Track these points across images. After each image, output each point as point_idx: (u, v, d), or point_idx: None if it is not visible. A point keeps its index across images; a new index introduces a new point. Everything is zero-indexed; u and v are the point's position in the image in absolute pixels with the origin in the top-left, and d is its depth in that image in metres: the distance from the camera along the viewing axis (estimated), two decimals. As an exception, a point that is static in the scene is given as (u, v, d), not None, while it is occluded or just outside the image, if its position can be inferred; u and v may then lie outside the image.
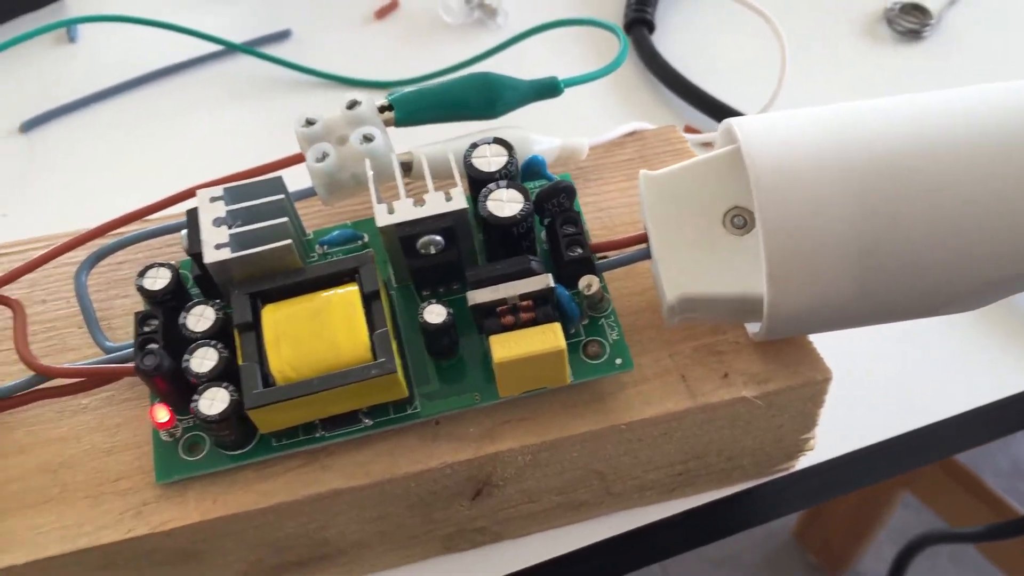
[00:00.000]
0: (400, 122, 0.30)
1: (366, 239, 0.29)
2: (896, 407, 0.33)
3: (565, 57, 0.44)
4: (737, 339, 0.28)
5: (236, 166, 0.31)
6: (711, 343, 0.28)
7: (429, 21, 0.46)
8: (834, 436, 0.31)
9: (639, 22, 0.44)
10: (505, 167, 0.27)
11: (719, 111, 0.40)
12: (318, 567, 0.29)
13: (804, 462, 0.32)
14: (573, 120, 0.36)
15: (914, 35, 0.44)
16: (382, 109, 0.30)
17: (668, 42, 0.44)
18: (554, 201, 0.27)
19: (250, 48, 0.44)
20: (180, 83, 0.44)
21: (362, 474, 0.26)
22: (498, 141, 0.27)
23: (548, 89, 0.31)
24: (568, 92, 0.31)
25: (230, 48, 0.44)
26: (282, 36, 0.45)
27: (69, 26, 0.44)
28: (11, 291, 0.29)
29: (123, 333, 0.29)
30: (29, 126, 0.42)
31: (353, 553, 0.29)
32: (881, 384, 0.33)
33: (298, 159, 0.29)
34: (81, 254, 0.30)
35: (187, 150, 0.41)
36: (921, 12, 0.44)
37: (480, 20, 0.45)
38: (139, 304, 0.29)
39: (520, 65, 0.42)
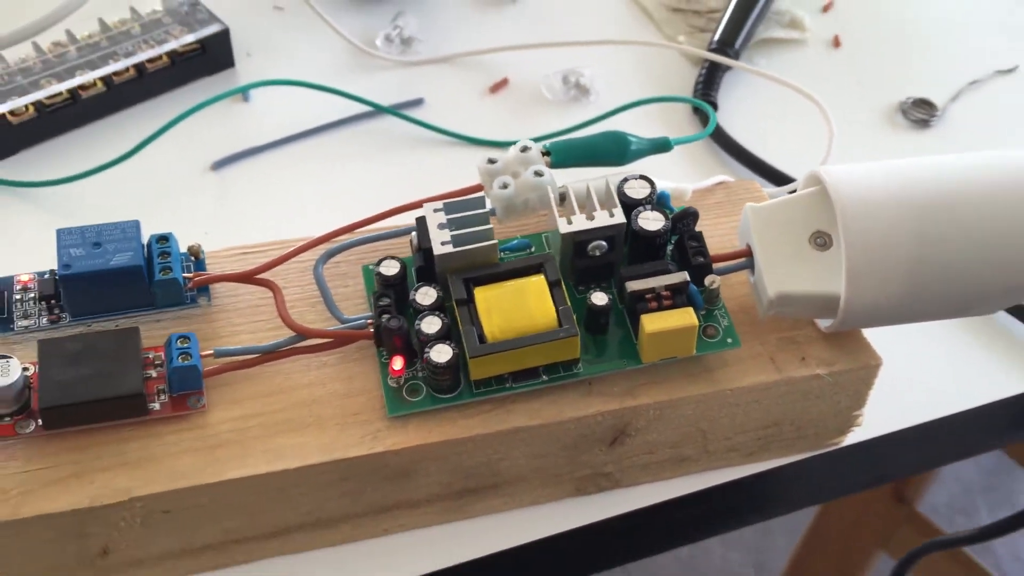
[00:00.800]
0: (554, 165, 0.38)
1: (534, 249, 0.37)
2: (921, 397, 0.41)
3: (641, 130, 0.52)
4: (810, 333, 0.36)
5: (380, 204, 0.39)
6: (791, 335, 0.36)
7: (533, 97, 0.54)
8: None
9: (705, 102, 0.52)
10: (649, 196, 0.35)
11: (771, 175, 0.49)
12: (484, 496, 0.36)
13: (851, 439, 0.40)
14: (656, 176, 0.44)
15: (924, 124, 0.53)
16: (543, 154, 0.38)
17: (728, 119, 0.52)
18: (684, 221, 0.35)
19: (394, 111, 0.52)
20: (335, 136, 0.52)
21: (538, 416, 0.34)
22: (643, 177, 0.35)
23: (662, 146, 0.40)
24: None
25: (378, 109, 0.52)
26: (417, 103, 0.53)
27: (246, 91, 0.53)
28: (259, 278, 0.37)
29: (345, 313, 0.36)
30: (218, 165, 0.50)
31: (513, 486, 0.36)
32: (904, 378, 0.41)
33: (478, 188, 0.37)
34: (309, 255, 0.37)
35: (341, 189, 0.49)
36: (928, 106, 0.53)
37: (575, 97, 0.54)
38: (355, 292, 0.37)
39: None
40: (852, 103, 0.54)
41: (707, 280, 0.34)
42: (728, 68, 0.54)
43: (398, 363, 0.33)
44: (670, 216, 0.35)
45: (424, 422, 0.34)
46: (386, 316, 0.33)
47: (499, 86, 0.55)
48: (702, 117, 0.52)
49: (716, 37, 0.55)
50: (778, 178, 0.49)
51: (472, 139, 0.52)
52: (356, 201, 0.48)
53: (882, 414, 0.40)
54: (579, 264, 0.35)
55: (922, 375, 0.42)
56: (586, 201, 0.35)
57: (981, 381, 0.42)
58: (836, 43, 0.57)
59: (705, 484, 0.39)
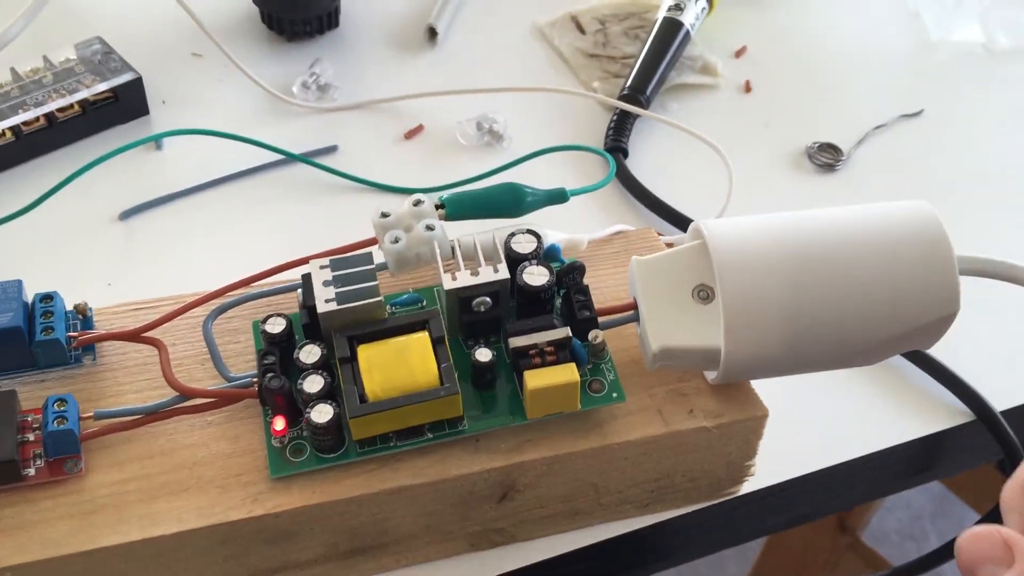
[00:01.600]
0: (449, 217, 0.37)
1: (424, 303, 0.36)
2: (814, 447, 0.41)
3: (554, 174, 0.52)
4: (699, 385, 0.36)
5: (291, 253, 0.38)
6: (679, 387, 0.36)
7: (448, 142, 0.54)
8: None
9: (616, 149, 0.52)
10: (535, 250, 0.34)
11: (677, 219, 0.49)
12: (374, 555, 0.35)
13: (746, 487, 0.39)
14: (560, 222, 0.43)
15: (829, 168, 0.53)
16: (437, 207, 0.37)
17: (638, 164, 0.52)
18: (570, 276, 0.34)
19: (306, 158, 0.51)
20: (248, 184, 0.51)
21: (423, 475, 0.33)
22: (530, 231, 0.35)
23: (558, 197, 0.39)
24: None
25: (290, 158, 0.51)
26: (330, 150, 0.52)
27: (157, 139, 0.52)
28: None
29: (236, 370, 0.35)
30: (126, 215, 0.49)
31: (403, 544, 0.35)
32: (801, 426, 0.41)
33: (373, 242, 0.37)
34: (201, 310, 0.36)
35: (252, 238, 0.48)
36: (834, 150, 0.53)
37: (489, 143, 0.53)
38: (246, 348, 0.36)
39: (518, 179, 0.50)
40: (760, 147, 0.54)
41: (591, 335, 0.33)
42: (638, 115, 0.53)
43: (280, 423, 0.32)
44: (556, 270, 0.34)
45: (308, 482, 0.32)
46: (269, 375, 0.32)
47: (414, 132, 0.54)
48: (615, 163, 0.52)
49: (628, 84, 0.54)
50: (685, 224, 0.48)
51: (384, 186, 0.51)
52: (266, 250, 0.47)
53: (782, 462, 0.39)
54: (466, 319, 0.34)
55: (820, 423, 0.42)
56: (473, 255, 0.34)
57: (880, 426, 0.42)
58: (747, 88, 0.57)
59: (601, 537, 0.38)
